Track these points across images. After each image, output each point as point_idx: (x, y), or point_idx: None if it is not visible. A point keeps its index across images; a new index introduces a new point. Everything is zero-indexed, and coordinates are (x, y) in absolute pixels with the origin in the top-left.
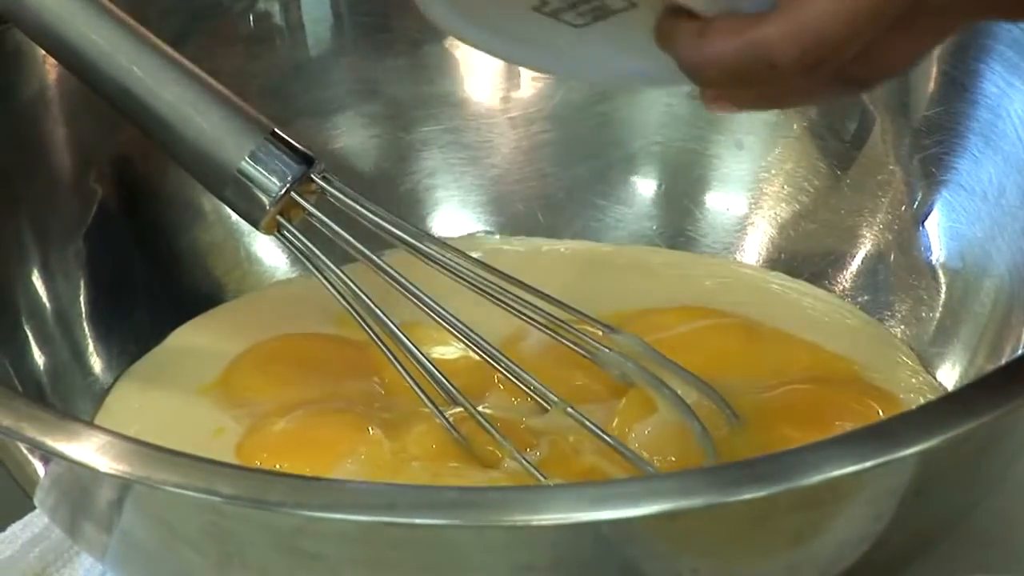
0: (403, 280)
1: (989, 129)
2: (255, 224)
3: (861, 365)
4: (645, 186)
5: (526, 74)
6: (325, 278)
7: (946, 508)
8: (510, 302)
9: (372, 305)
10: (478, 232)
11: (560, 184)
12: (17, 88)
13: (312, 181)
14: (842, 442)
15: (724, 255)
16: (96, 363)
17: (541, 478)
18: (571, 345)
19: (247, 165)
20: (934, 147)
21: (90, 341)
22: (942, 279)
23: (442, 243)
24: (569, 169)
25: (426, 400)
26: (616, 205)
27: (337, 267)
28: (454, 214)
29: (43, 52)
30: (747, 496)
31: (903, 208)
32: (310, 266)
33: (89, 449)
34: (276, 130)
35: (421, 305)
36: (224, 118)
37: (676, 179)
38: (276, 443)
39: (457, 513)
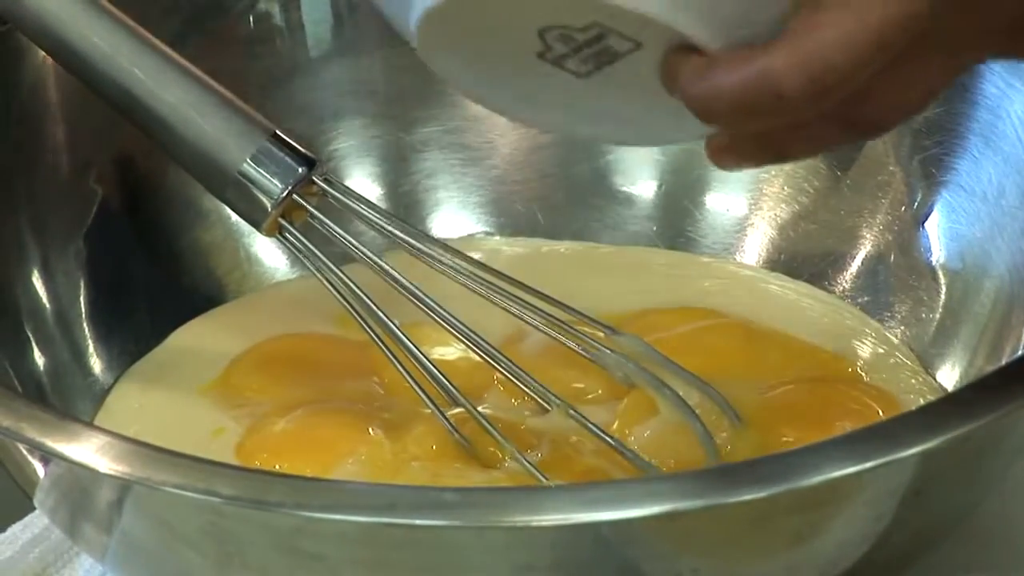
0: (404, 281)
1: (989, 130)
2: (257, 226)
3: (861, 366)
4: (645, 187)
5: None
6: (327, 279)
7: (946, 508)
8: (510, 303)
9: (374, 306)
10: (478, 233)
11: (560, 185)
12: (18, 88)
13: (314, 183)
14: (842, 443)
15: (724, 256)
16: (96, 363)
17: (543, 479)
18: (572, 346)
19: (249, 167)
20: (934, 148)
21: (90, 341)
22: (942, 280)
23: (443, 244)
24: (569, 170)
25: (427, 401)
26: (616, 206)
27: (337, 267)
28: (454, 215)
29: (43, 52)
30: (747, 497)
31: (903, 209)
32: (311, 267)
33: (89, 450)
34: (278, 132)
35: (422, 306)
36: (226, 119)
37: (676, 180)
38: (276, 443)
39: (457, 514)
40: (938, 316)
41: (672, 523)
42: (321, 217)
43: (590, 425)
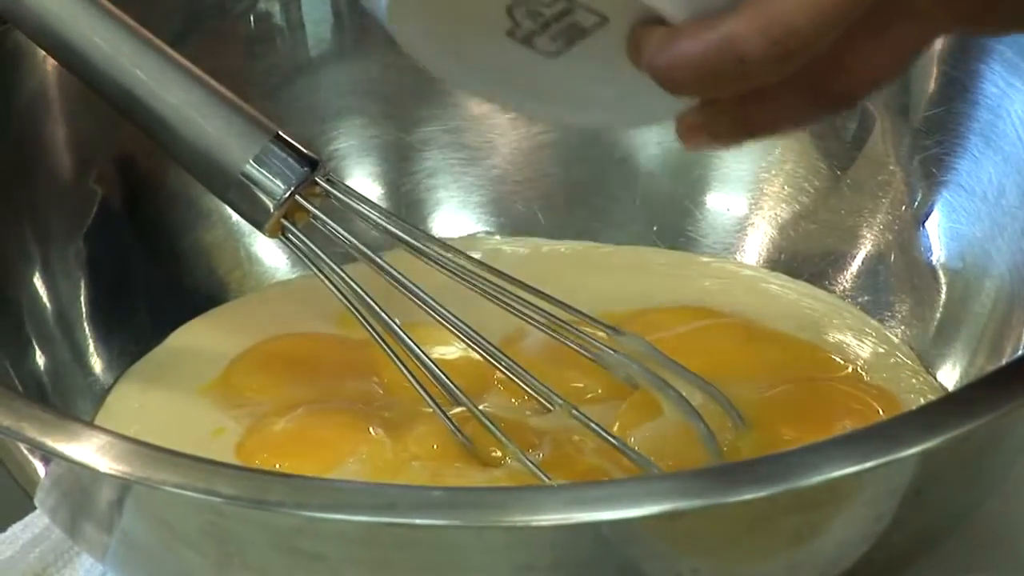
0: (405, 280)
1: (989, 129)
2: (259, 227)
3: (861, 365)
4: (645, 186)
5: None
6: (328, 279)
7: (946, 508)
8: (511, 302)
9: (375, 306)
10: (478, 232)
11: (560, 184)
12: (17, 88)
13: (316, 184)
14: (842, 442)
15: (724, 255)
16: (96, 363)
17: (545, 479)
18: (574, 346)
19: (251, 168)
20: (934, 147)
21: (91, 341)
22: (942, 279)
23: (443, 244)
24: (569, 169)
25: (429, 400)
26: (616, 205)
27: (337, 267)
28: (454, 215)
29: (43, 52)
30: (747, 497)
31: (903, 208)
32: (313, 268)
33: (89, 449)
34: (280, 133)
35: (423, 305)
36: (228, 120)
37: (676, 179)
38: (276, 443)
39: (457, 513)
40: (938, 316)
41: (672, 523)
42: (323, 218)
43: (593, 425)
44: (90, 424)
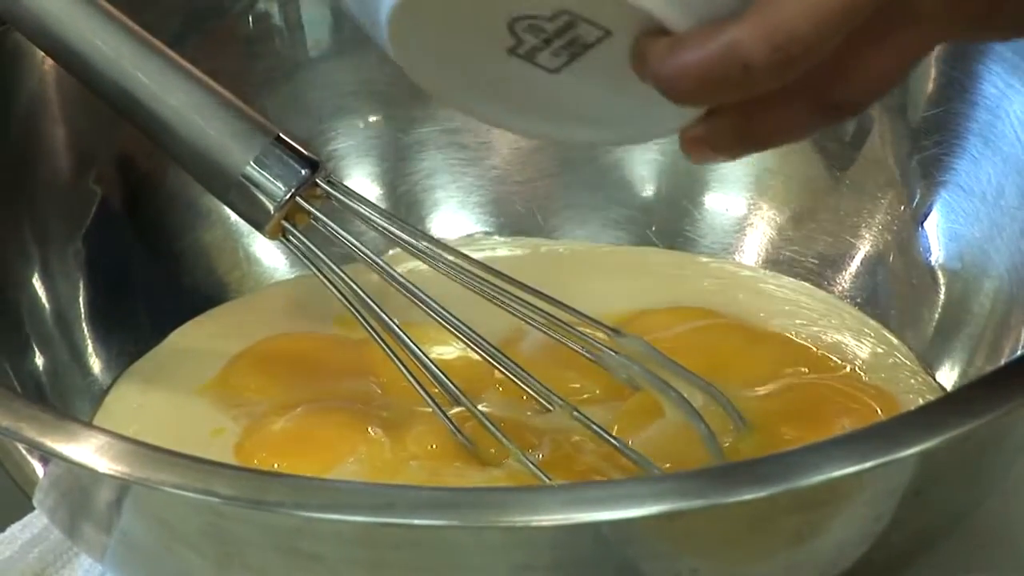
0: (405, 281)
1: (988, 130)
2: (259, 228)
3: (860, 365)
4: (644, 187)
5: None
6: (328, 280)
7: (946, 508)
8: (509, 303)
9: (375, 307)
10: (477, 233)
11: (559, 185)
12: (16, 88)
13: (317, 185)
14: (842, 442)
15: (723, 256)
16: (95, 363)
17: (546, 479)
18: (575, 347)
19: (252, 170)
20: (933, 148)
21: (89, 342)
22: (941, 280)
23: (444, 245)
24: (568, 170)
25: (429, 400)
26: (615, 206)
27: (338, 268)
28: (453, 215)
29: (42, 52)
30: (747, 497)
31: (902, 209)
32: (314, 269)
33: (88, 450)
34: (281, 134)
35: (422, 306)
36: (229, 122)
37: (675, 180)
38: (275, 443)
39: (456, 514)
40: (937, 316)
41: (671, 523)
42: (324, 219)
43: (594, 426)
44: (89, 424)
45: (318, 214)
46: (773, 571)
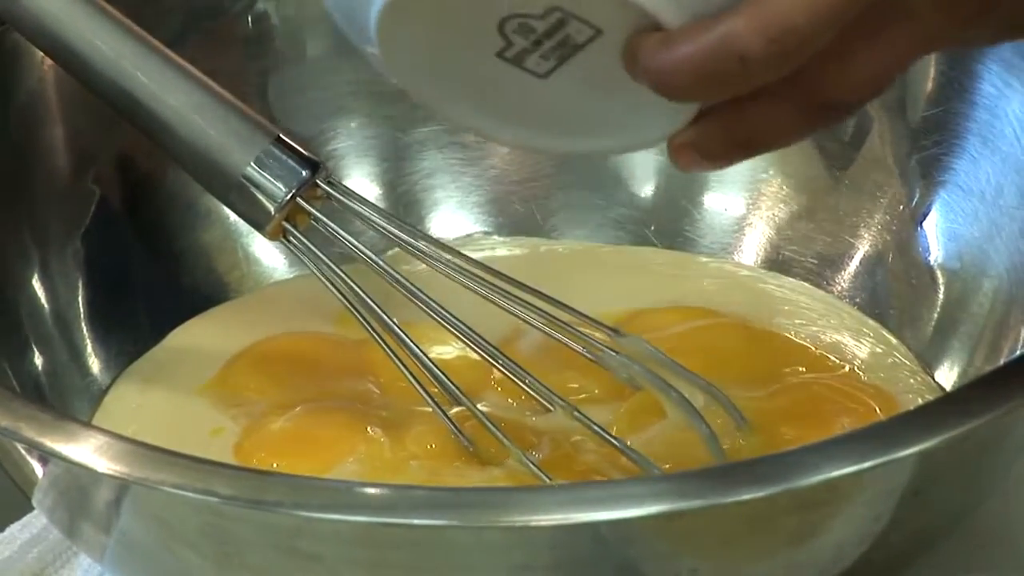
0: (405, 281)
1: (987, 129)
2: (260, 229)
3: (859, 365)
4: (643, 186)
5: None
6: (328, 280)
7: (945, 508)
8: (509, 303)
9: (376, 307)
10: (476, 232)
11: (559, 184)
12: (16, 88)
13: (317, 186)
14: (841, 442)
15: (722, 256)
16: (94, 363)
17: (545, 479)
18: (575, 347)
19: (252, 171)
20: (932, 147)
21: (88, 341)
22: (940, 279)
23: (443, 245)
24: (568, 169)
25: (428, 400)
26: (614, 205)
27: (338, 268)
28: (452, 215)
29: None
30: (746, 497)
31: (901, 208)
32: (314, 269)
33: (87, 450)
34: (281, 135)
35: (422, 305)
36: (229, 123)
37: (674, 179)
38: (274, 442)
39: (456, 514)
40: (936, 316)
41: (671, 523)
42: (324, 220)
43: (594, 426)
44: (88, 424)
45: (318, 215)
46: (773, 571)
